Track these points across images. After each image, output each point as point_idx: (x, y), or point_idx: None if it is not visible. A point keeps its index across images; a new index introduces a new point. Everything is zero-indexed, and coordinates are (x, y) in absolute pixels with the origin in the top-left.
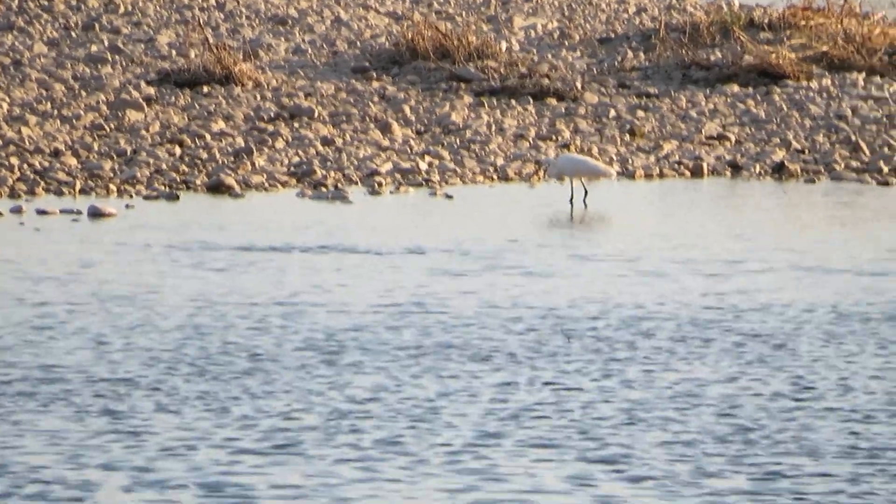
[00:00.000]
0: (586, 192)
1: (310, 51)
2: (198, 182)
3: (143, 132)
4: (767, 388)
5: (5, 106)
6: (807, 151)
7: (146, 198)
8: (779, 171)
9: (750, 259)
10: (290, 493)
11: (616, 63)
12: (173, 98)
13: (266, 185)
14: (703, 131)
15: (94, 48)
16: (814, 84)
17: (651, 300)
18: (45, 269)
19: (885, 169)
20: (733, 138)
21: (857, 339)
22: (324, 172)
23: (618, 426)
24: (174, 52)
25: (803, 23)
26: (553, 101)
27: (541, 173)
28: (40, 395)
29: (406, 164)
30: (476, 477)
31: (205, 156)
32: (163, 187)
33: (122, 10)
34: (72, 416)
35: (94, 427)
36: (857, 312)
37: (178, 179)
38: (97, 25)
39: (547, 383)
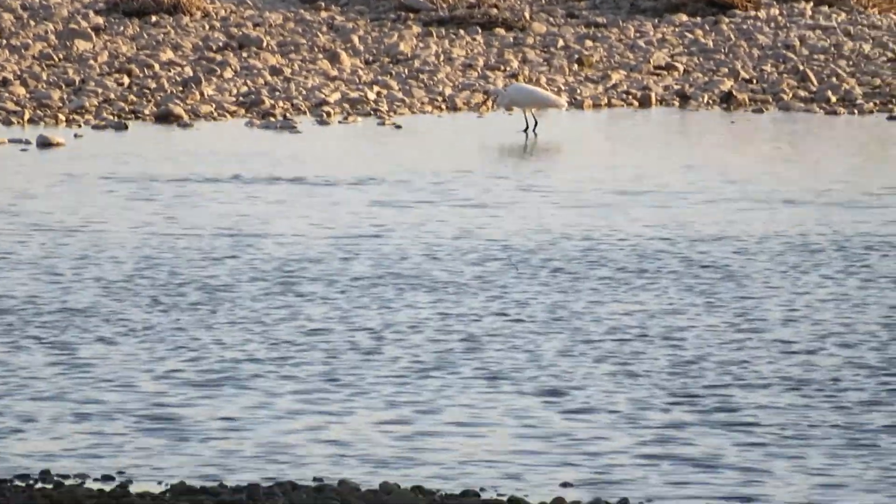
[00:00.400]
0: (536, 122)
1: None
2: (146, 112)
3: (92, 62)
4: (714, 319)
5: None
6: (755, 81)
7: (95, 127)
8: (727, 100)
9: (698, 190)
10: (228, 424)
11: None
12: (122, 28)
13: (215, 114)
14: (651, 61)
15: None
16: (762, 14)
17: (600, 231)
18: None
19: (833, 98)
20: (681, 68)
21: (804, 269)
22: (272, 102)
23: (561, 357)
24: None
25: None
26: (501, 31)
27: (489, 103)
28: None
29: (354, 94)
30: (414, 408)
31: (153, 85)
32: (111, 117)
33: None
34: (14, 346)
35: (37, 357)
36: (804, 243)
37: (127, 109)
38: None
39: (494, 314)
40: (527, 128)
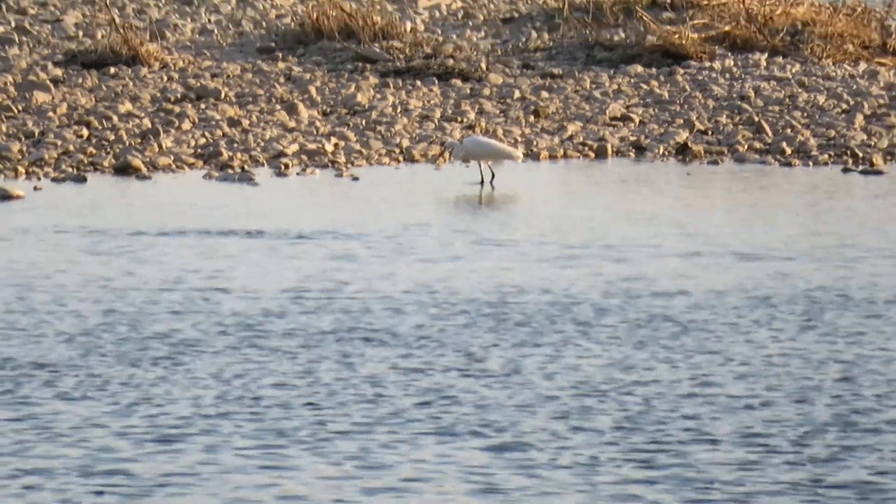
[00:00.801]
0: (493, 175)
1: (216, 31)
2: (105, 164)
3: (51, 114)
4: (669, 374)
5: None
6: (710, 132)
7: (54, 180)
8: (682, 152)
9: (653, 243)
10: (181, 480)
11: (520, 43)
12: (80, 79)
13: (173, 166)
14: (607, 112)
15: (0, 29)
16: (716, 65)
17: (555, 284)
18: None
19: (788, 150)
20: (637, 119)
21: (760, 323)
22: (230, 154)
23: (514, 412)
24: (81, 33)
25: (706, 3)
26: (458, 82)
27: (446, 155)
28: None
29: (312, 146)
30: (362, 464)
31: (112, 137)
32: (71, 169)
33: None
34: None
35: None
36: (759, 297)
37: (86, 161)
38: (4, 6)
39: (446, 369)
40: (482, 181)
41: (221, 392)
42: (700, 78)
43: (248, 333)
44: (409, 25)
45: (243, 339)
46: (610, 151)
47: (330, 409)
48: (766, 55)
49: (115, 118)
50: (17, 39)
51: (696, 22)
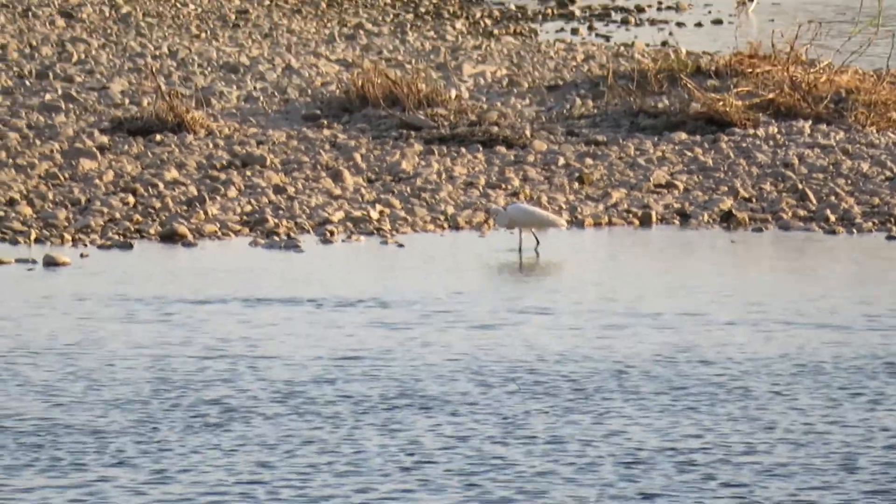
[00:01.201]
0: (537, 242)
1: (261, 98)
2: (151, 231)
3: (97, 181)
4: (711, 440)
5: None
6: (754, 200)
7: (100, 247)
8: (727, 219)
9: (698, 310)
10: None
11: (565, 110)
12: (126, 146)
13: (219, 233)
14: (651, 179)
15: (47, 97)
16: (761, 132)
17: (599, 352)
18: (2, 319)
19: (832, 217)
20: (681, 186)
21: (803, 391)
22: (276, 221)
23: (561, 483)
24: (127, 101)
25: (750, 70)
26: (502, 149)
27: (491, 222)
28: None
29: (357, 213)
30: None
31: (158, 204)
32: (117, 236)
33: (75, 58)
34: (17, 466)
35: (51, 480)
36: (804, 364)
37: (132, 228)
38: (51, 74)
39: (490, 437)
40: (521, 247)
41: (266, 458)
42: (744, 145)
43: (295, 400)
44: (453, 93)
45: (290, 405)
46: (654, 219)
47: (372, 474)
48: (810, 122)
49: (161, 185)
50: (63, 107)
51: (740, 89)
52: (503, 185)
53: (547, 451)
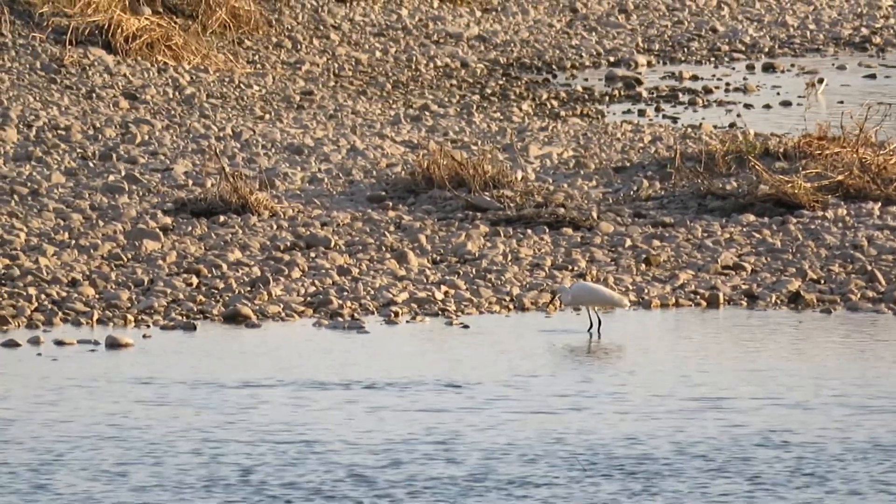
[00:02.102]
0: (600, 322)
1: (326, 180)
2: (214, 312)
3: (160, 262)
4: None
5: (23, 236)
6: (822, 281)
7: (163, 328)
8: (795, 301)
9: (769, 394)
10: None
11: (632, 192)
12: (190, 227)
13: (283, 315)
14: (718, 261)
15: (111, 178)
16: (829, 214)
17: (666, 437)
18: (64, 401)
19: None
20: (749, 268)
21: (883, 477)
22: (340, 302)
23: None
24: (191, 182)
25: (818, 152)
26: (569, 231)
27: (556, 302)
28: None
29: (422, 294)
30: None
31: (221, 285)
32: (180, 317)
33: (138, 139)
34: None
35: None
36: (876, 447)
37: (195, 309)
38: (114, 155)
39: None
40: (590, 327)
41: None
42: (813, 227)
43: (363, 485)
44: (519, 174)
45: (358, 489)
46: (721, 300)
47: None
48: (879, 204)
49: (225, 266)
50: (126, 188)
51: (808, 171)
52: (569, 267)
53: None
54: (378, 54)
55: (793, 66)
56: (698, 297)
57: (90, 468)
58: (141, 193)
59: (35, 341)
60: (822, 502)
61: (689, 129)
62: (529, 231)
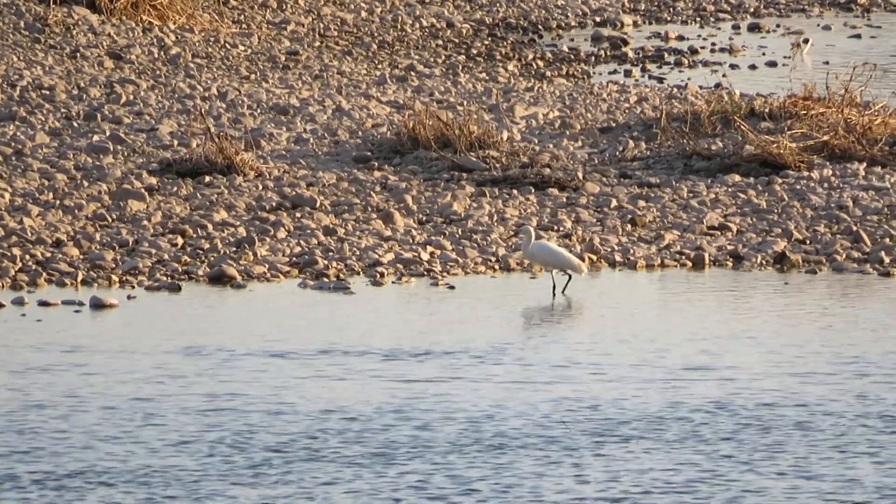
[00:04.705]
0: (554, 285)
1: (311, 140)
2: (200, 272)
3: (145, 222)
4: (772, 483)
5: (7, 196)
6: (808, 242)
7: (148, 288)
8: (780, 261)
9: (753, 360)
10: None
11: (617, 153)
12: (175, 188)
13: (268, 275)
14: (704, 221)
15: (95, 138)
16: (815, 174)
17: (656, 399)
18: (45, 363)
19: (887, 260)
20: (735, 228)
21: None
22: (326, 262)
23: None
24: (176, 142)
25: (804, 112)
26: (554, 191)
27: (515, 239)
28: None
29: (408, 255)
30: None
31: (207, 246)
32: (165, 278)
33: (123, 99)
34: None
35: None
36: (864, 413)
37: (180, 270)
38: (99, 115)
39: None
40: (554, 289)
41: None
42: (798, 187)
43: (358, 447)
44: (505, 135)
45: (353, 450)
46: (707, 261)
47: None
48: (864, 165)
49: (210, 227)
50: (111, 148)
51: (794, 131)
52: (555, 228)
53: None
54: (363, 14)
55: (778, 26)
56: (683, 257)
57: (86, 428)
58: (126, 154)
59: (19, 302)
60: (777, 453)
61: (675, 90)
62: (515, 191)
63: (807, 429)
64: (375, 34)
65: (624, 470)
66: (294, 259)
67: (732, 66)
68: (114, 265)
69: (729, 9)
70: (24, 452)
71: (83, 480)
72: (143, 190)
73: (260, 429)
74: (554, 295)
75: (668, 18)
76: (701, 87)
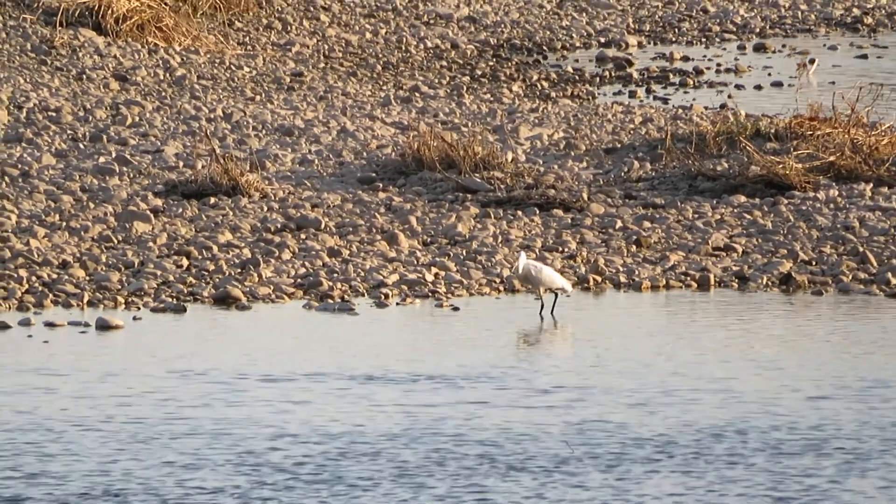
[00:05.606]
0: (542, 306)
1: (316, 161)
2: (205, 294)
3: (151, 244)
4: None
5: (14, 218)
6: (814, 263)
7: (154, 310)
8: (786, 282)
9: (761, 380)
10: None
11: (622, 173)
12: (180, 209)
13: (273, 296)
14: (709, 242)
15: (101, 159)
16: (821, 195)
17: (659, 423)
18: (56, 385)
19: (893, 281)
20: (740, 249)
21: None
22: (330, 284)
23: None
24: (181, 164)
25: (810, 133)
26: (559, 212)
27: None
28: None
29: (412, 276)
30: None
31: (212, 267)
32: (170, 299)
33: (129, 121)
34: None
35: None
36: (877, 435)
37: (186, 291)
38: (105, 137)
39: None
40: (542, 308)
41: None
42: (804, 208)
43: (364, 468)
44: (510, 156)
45: (358, 472)
46: (712, 282)
47: None
48: (871, 185)
49: (215, 248)
50: (117, 170)
51: (800, 152)
52: (560, 249)
53: None
54: (368, 36)
55: (784, 46)
56: (689, 278)
57: (93, 451)
58: (131, 175)
59: (26, 323)
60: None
61: (680, 111)
62: (520, 212)
63: (817, 451)
64: (380, 55)
65: (636, 495)
66: (299, 280)
67: (738, 87)
68: (119, 286)
69: (734, 29)
70: (31, 475)
71: (90, 501)
72: (148, 212)
73: (267, 451)
74: (542, 317)
75: (674, 39)
76: (706, 108)
